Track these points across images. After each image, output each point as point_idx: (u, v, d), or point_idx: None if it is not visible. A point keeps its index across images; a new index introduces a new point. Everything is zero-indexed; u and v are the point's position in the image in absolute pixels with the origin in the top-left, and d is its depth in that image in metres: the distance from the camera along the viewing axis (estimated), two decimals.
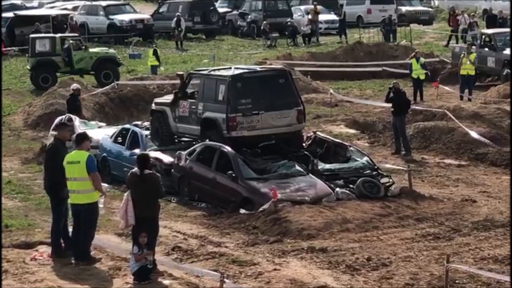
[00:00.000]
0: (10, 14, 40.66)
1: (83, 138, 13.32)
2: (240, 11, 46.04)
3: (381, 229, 14.81)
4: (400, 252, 13.61)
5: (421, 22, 46.11)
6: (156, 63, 32.76)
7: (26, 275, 12.74)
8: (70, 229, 13.47)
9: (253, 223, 15.11)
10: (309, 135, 18.69)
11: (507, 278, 11.64)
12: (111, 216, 16.04)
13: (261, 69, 19.79)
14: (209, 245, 14.33)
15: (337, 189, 16.44)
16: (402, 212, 15.63)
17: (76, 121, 21.04)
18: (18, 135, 24.81)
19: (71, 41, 32.13)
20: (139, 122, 20.78)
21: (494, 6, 41.59)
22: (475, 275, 12.24)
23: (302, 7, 46.34)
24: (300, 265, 13.18)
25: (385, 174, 17.32)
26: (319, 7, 43.87)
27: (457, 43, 37.42)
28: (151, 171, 13.02)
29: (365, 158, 17.60)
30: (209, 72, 18.84)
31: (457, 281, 12.20)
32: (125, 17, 43.04)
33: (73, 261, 13.18)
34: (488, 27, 36.79)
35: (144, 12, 46.37)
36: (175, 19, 41.55)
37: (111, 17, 43.00)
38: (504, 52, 29.22)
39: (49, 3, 51.05)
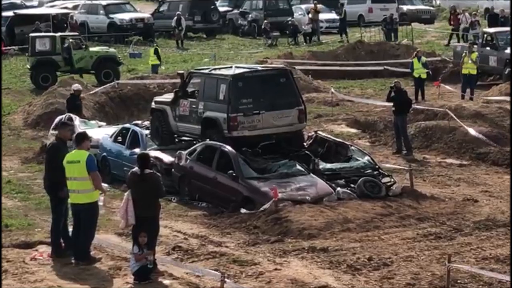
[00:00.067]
0: (10, 13, 40.60)
1: (83, 137, 13.29)
2: (241, 10, 46.00)
3: (382, 228, 14.78)
4: (402, 252, 13.58)
5: (422, 21, 46.08)
6: (157, 62, 32.73)
7: (26, 275, 12.71)
8: (70, 229, 13.43)
9: (254, 222, 15.08)
10: (310, 134, 18.65)
11: (509, 278, 11.59)
12: (111, 215, 16.00)
13: (262, 68, 19.72)
14: (210, 244, 14.30)
15: (338, 188, 16.41)
16: (403, 211, 15.60)
17: (76, 120, 21.01)
18: (18, 135, 24.78)
19: (71, 40, 32.09)
20: (139, 122, 20.74)
21: (496, 5, 41.52)
22: (477, 275, 12.22)
23: (303, 6, 46.31)
24: (301, 265, 13.15)
25: (386, 173, 17.28)
26: (319, 6, 43.81)
27: (458, 42, 37.36)
28: (151, 171, 12.99)
29: (366, 158, 17.56)
30: (210, 71, 18.79)
31: (458, 281, 12.18)
32: (126, 16, 43.00)
33: (73, 261, 13.16)
34: (489, 26, 36.76)
35: (145, 11, 46.35)
36: (175, 18, 41.50)
37: (111, 16, 42.96)
38: (506, 51, 29.16)
39: (49, 2, 51.01)
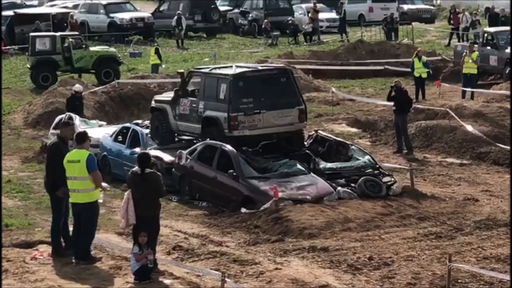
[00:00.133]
0: (10, 13, 40.57)
1: (84, 137, 13.26)
2: (241, 9, 45.97)
3: (383, 228, 14.77)
4: (402, 251, 13.57)
5: (423, 21, 46.07)
6: (158, 61, 32.71)
7: (26, 275, 12.70)
8: (71, 228, 13.41)
9: (254, 222, 15.06)
10: (310, 134, 18.64)
11: (510, 278, 11.57)
12: (112, 215, 16.00)
13: (263, 67, 19.71)
14: (210, 244, 14.28)
15: (339, 188, 16.39)
16: (404, 211, 15.59)
17: (76, 120, 20.99)
18: (18, 134, 24.76)
19: (71, 40, 32.07)
20: (139, 121, 20.73)
21: (496, 4, 41.48)
22: (477, 274, 12.22)
23: (303, 5, 46.28)
24: (301, 264, 13.13)
25: (387, 173, 17.26)
26: (320, 5, 43.78)
27: (459, 41, 37.33)
28: (152, 170, 12.96)
29: (367, 157, 17.55)
30: (210, 70, 18.77)
31: (459, 280, 12.17)
32: (126, 16, 42.97)
33: (73, 261, 13.14)
34: (490, 25, 36.71)
35: (145, 11, 46.31)
36: (175, 17, 41.48)
37: (112, 15, 42.93)
38: (506, 50, 29.12)
39: (49, 1, 51.00)
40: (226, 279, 11.37)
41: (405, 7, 46.40)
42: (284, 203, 15.52)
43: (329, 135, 19.06)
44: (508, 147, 20.01)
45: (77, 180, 12.93)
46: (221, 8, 46.45)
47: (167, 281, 12.44)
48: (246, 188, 16.22)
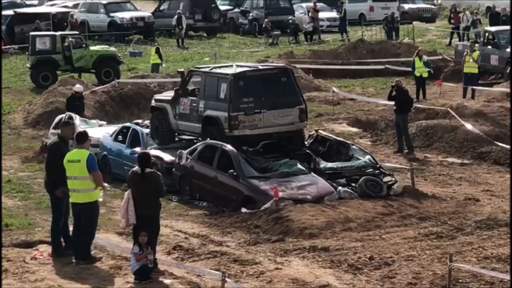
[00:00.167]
0: (10, 12, 40.54)
1: (84, 137, 13.24)
2: (241, 8, 45.95)
3: (384, 228, 14.75)
4: (403, 251, 13.55)
5: (423, 20, 46.03)
6: (159, 61, 32.70)
7: (26, 274, 12.69)
8: (71, 228, 13.39)
9: (254, 222, 15.04)
10: (311, 133, 18.61)
11: (510, 277, 11.56)
12: (112, 215, 15.98)
13: (263, 67, 19.68)
14: (211, 244, 14.26)
15: (339, 187, 16.36)
16: (404, 211, 15.56)
17: (76, 119, 20.97)
18: (18, 134, 24.74)
19: (71, 39, 32.05)
20: (140, 121, 20.70)
21: (497, 3, 41.45)
22: (478, 274, 12.20)
23: (304, 5, 46.25)
24: (302, 264, 13.11)
25: (387, 172, 17.23)
26: (320, 4, 43.73)
27: (459, 41, 37.30)
28: (152, 170, 12.94)
29: (368, 157, 17.52)
30: (211, 69, 18.74)
31: (460, 280, 12.16)
32: (126, 15, 42.94)
33: (73, 260, 13.12)
34: (491, 24, 36.66)
35: (145, 10, 46.29)
36: (176, 16, 41.45)
37: (112, 14, 42.91)
38: (507, 50, 29.07)
39: (49, 0, 50.95)
40: (227, 279, 11.35)
41: (406, 6, 46.38)
42: (284, 203, 15.50)
43: (330, 135, 19.03)
44: (508, 146, 19.97)
45: (77, 180, 12.91)
46: (222, 8, 46.43)
47: (167, 281, 12.42)
48: (246, 188, 16.19)
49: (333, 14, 45.18)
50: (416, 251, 13.56)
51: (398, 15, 42.67)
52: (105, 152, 19.59)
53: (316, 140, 18.29)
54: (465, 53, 27.55)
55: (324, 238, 14.23)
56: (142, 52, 37.77)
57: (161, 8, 45.70)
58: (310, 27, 41.99)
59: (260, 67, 19.31)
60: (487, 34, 30.75)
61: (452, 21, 39.92)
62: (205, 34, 44.73)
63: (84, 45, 32.44)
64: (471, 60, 26.98)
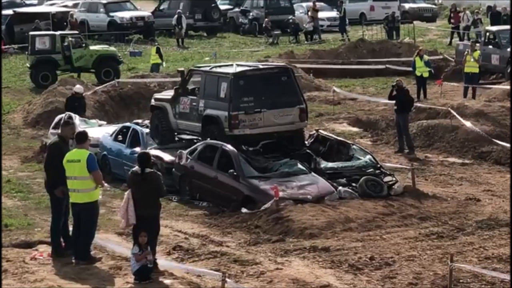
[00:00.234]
0: (9, 12, 40.51)
1: (85, 137, 13.21)
2: (241, 8, 45.93)
3: (384, 228, 14.72)
4: (404, 252, 13.52)
5: (424, 19, 46.01)
6: (159, 61, 32.67)
7: (26, 275, 12.66)
8: (71, 228, 13.35)
9: (255, 222, 15.01)
10: (311, 133, 18.57)
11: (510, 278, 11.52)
12: (112, 215, 15.95)
13: (263, 66, 19.66)
14: (211, 244, 14.23)
15: (340, 187, 16.33)
16: (405, 211, 15.53)
17: (76, 119, 20.93)
18: (18, 134, 24.71)
19: (71, 39, 32.01)
20: (139, 120, 20.66)
21: (498, 3, 41.41)
22: (479, 274, 12.18)
23: (304, 4, 46.24)
24: (302, 264, 13.08)
25: (388, 172, 17.20)
26: (321, 4, 43.68)
27: (460, 40, 37.26)
28: (152, 170, 12.91)
29: (368, 157, 17.49)
30: (211, 69, 18.71)
31: (461, 281, 12.14)
32: (126, 15, 42.91)
33: (73, 261, 13.09)
34: (492, 24, 36.62)
35: (145, 9, 46.27)
36: (176, 16, 41.42)
37: (112, 14, 42.88)
38: (508, 49, 29.04)
39: (49, 0, 50.91)
40: (227, 279, 11.32)
41: (407, 5, 46.36)
42: (284, 202, 15.46)
43: (330, 135, 19.00)
44: (508, 145, 19.94)
45: (77, 180, 12.88)
46: (222, 7, 46.40)
47: (167, 281, 12.39)
48: (246, 188, 16.15)
49: (334, 13, 45.15)
50: (417, 251, 13.53)
51: (398, 14, 42.64)
52: (105, 152, 19.56)
53: (316, 140, 18.26)
54: (466, 52, 27.52)
55: (324, 238, 14.19)
56: (142, 51, 37.74)
57: (161, 7, 45.67)
58: (310, 26, 41.94)
59: (261, 67, 19.29)
60: (488, 33, 30.72)
61: (452, 20, 39.88)
62: (205, 34, 44.70)
63: (84, 45, 32.40)
64: (472, 60, 26.95)
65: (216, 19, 44.64)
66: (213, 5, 44.97)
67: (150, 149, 17.82)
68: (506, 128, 21.44)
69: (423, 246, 13.80)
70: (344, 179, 16.76)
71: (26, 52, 33.21)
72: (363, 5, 45.82)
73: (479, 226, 14.79)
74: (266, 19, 42.75)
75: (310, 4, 43.79)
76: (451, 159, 20.40)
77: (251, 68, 18.62)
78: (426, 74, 27.22)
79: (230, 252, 13.73)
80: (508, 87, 24.91)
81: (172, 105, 18.79)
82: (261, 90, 17.55)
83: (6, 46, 38.62)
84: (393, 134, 22.18)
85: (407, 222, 15.03)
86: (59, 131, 14.41)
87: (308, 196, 15.82)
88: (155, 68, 32.30)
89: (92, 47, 33.03)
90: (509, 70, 28.45)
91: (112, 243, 13.98)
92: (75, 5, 45.68)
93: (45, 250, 13.71)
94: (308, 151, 17.60)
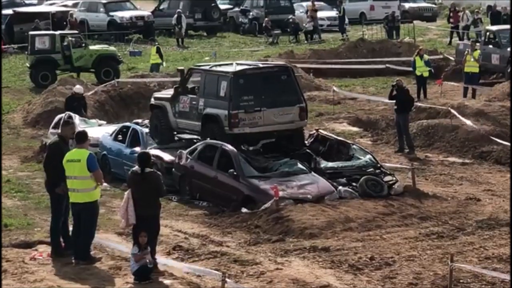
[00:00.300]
0: (9, 11, 40.48)
1: (84, 136, 13.19)
2: (241, 7, 45.91)
3: (384, 228, 14.70)
4: (404, 251, 13.50)
5: (424, 19, 46.01)
6: (159, 61, 32.65)
7: (25, 275, 12.65)
8: (71, 228, 13.34)
9: (255, 222, 15.00)
10: (311, 133, 18.56)
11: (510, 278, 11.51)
12: (112, 215, 15.93)
13: (263, 65, 19.64)
14: (211, 244, 14.22)
15: (340, 187, 16.31)
16: (405, 211, 15.52)
17: (76, 119, 20.92)
18: (18, 133, 24.70)
19: (70, 39, 31.99)
20: (139, 120, 20.65)
21: (498, 2, 41.40)
22: (479, 274, 12.17)
23: (304, 4, 46.21)
24: (302, 264, 13.07)
25: (388, 172, 17.18)
26: (320, 3, 43.65)
27: (459, 40, 37.24)
28: (152, 170, 12.90)
29: (368, 156, 17.47)
30: (211, 68, 18.70)
31: (461, 281, 12.12)
32: (126, 14, 42.89)
33: (73, 261, 13.08)
34: (492, 23, 36.60)
35: (145, 9, 46.24)
36: (175, 16, 41.40)
37: (111, 14, 42.86)
38: (508, 49, 29.02)
39: None
40: (227, 279, 11.31)
41: (407, 5, 46.35)
42: (284, 202, 15.45)
43: (330, 134, 18.99)
44: (508, 143, 19.92)
45: (77, 179, 12.86)
46: (222, 7, 46.38)
47: (167, 281, 12.38)
48: (246, 187, 16.14)
49: (334, 13, 45.13)
50: (417, 251, 13.51)
51: (398, 14, 42.63)
52: (104, 152, 19.54)
53: (316, 139, 18.24)
54: (466, 52, 27.49)
55: (324, 238, 14.18)
56: (141, 51, 37.71)
57: (161, 7, 45.64)
58: (310, 26, 41.92)
59: (260, 65, 19.28)
60: (488, 33, 30.69)
61: (451, 20, 39.86)
62: (205, 33, 44.67)
63: (83, 45, 32.38)
64: (472, 60, 26.93)
65: (216, 18, 44.62)
66: (213, 4, 44.95)
67: (150, 149, 17.81)
68: (506, 128, 21.42)
69: (423, 246, 13.78)
70: (344, 178, 16.74)
71: (26, 52, 33.19)
72: (363, 4, 45.81)
73: (479, 226, 14.78)
74: (266, 19, 42.73)
75: (310, 3, 43.79)
76: (451, 159, 20.39)
77: (251, 67, 18.61)
78: (426, 74, 27.21)
79: (230, 252, 13.72)
80: (507, 84, 24.86)
81: (172, 104, 18.77)
82: (261, 89, 17.54)
83: (6, 46, 38.60)
84: (393, 134, 22.17)
85: (407, 222, 15.01)
86: (59, 130, 14.40)
87: (308, 196, 15.80)
88: (155, 68, 32.28)
89: (92, 47, 33.02)
90: (509, 70, 28.43)
91: (112, 243, 13.96)
92: (74, 5, 45.63)
93: (45, 250, 13.69)
94: (308, 150, 17.58)
